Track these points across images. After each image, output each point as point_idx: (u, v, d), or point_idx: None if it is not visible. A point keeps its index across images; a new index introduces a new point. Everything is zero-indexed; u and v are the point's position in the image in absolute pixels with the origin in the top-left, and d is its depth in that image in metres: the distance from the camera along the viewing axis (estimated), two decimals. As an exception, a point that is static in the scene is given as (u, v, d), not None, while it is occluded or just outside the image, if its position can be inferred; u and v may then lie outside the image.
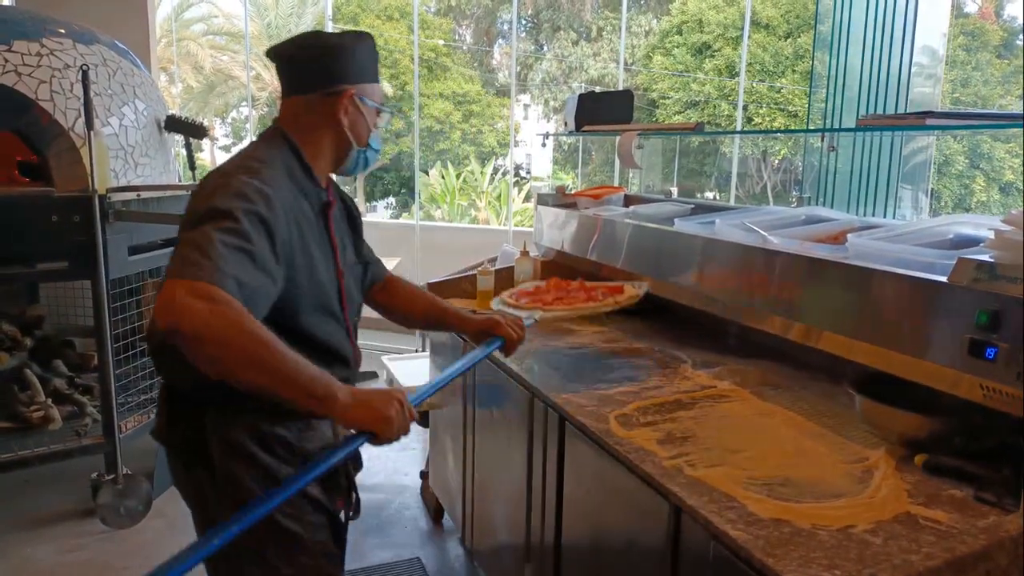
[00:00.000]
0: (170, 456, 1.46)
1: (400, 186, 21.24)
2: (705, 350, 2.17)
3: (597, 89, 15.98)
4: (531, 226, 3.19)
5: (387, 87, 17.03)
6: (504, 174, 16.63)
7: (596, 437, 1.60)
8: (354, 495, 1.49)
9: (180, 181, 3.73)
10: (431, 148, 17.83)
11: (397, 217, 19.80)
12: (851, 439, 1.54)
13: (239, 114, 19.13)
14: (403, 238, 5.96)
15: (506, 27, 20.64)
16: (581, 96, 2.77)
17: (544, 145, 2.95)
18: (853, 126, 3.30)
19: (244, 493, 1.31)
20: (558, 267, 2.91)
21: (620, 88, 6.04)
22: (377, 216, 19.76)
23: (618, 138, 2.40)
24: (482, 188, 14.33)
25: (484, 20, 19.56)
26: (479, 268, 2.81)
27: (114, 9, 4.64)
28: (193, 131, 3.44)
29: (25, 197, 2.87)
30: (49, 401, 3.18)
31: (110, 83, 3.13)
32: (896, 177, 3.34)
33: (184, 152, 3.68)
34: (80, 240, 2.82)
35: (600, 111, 2.74)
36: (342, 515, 1.49)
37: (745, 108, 13.35)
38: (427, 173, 16.63)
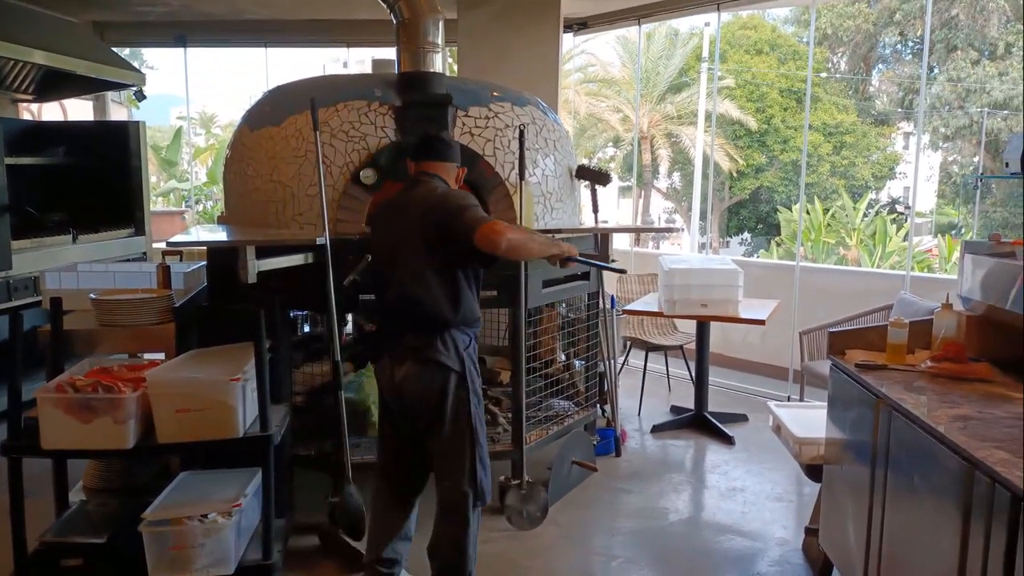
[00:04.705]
0: (425, 371, 2.45)
1: (756, 221, 20.60)
2: None
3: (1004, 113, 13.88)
4: (919, 270, 2.86)
5: (751, 121, 16.76)
6: (879, 210, 15.19)
7: (1072, 530, 1.40)
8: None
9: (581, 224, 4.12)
10: (794, 182, 17.06)
11: (751, 255, 19.24)
12: None
13: (604, 154, 20.39)
14: (777, 279, 5.71)
15: (887, 51, 18.98)
16: (1030, 134, 2.46)
17: (977, 188, 2.65)
18: None
19: (471, 386, 2.49)
20: (989, 323, 2.59)
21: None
22: (731, 252, 19.40)
23: (1085, 182, 2.08)
24: (854, 225, 13.26)
25: (862, 46, 18.21)
26: (892, 319, 2.63)
27: (532, 70, 5.34)
28: (598, 178, 3.78)
29: (468, 236, 3.43)
30: (471, 409, 3.72)
31: (536, 138, 3.61)
32: None
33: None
34: (508, 273, 3.28)
35: (1055, 150, 2.40)
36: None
37: None
38: (789, 208, 15.91)
